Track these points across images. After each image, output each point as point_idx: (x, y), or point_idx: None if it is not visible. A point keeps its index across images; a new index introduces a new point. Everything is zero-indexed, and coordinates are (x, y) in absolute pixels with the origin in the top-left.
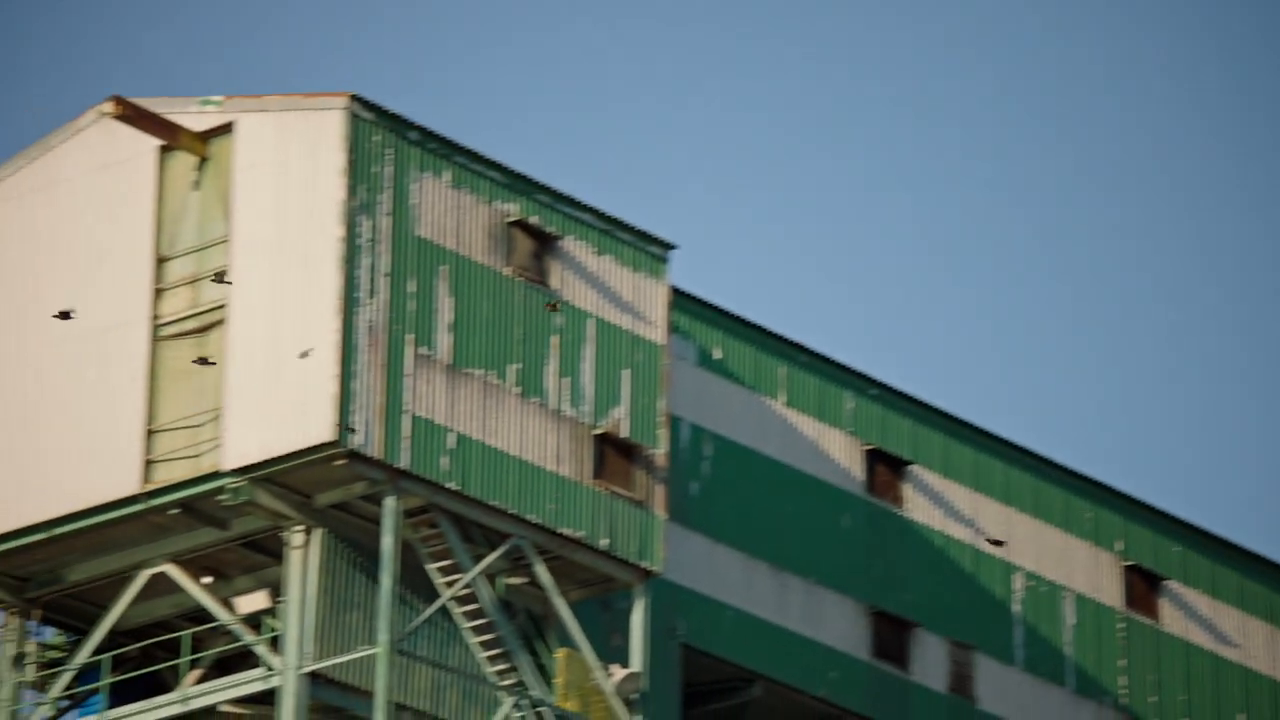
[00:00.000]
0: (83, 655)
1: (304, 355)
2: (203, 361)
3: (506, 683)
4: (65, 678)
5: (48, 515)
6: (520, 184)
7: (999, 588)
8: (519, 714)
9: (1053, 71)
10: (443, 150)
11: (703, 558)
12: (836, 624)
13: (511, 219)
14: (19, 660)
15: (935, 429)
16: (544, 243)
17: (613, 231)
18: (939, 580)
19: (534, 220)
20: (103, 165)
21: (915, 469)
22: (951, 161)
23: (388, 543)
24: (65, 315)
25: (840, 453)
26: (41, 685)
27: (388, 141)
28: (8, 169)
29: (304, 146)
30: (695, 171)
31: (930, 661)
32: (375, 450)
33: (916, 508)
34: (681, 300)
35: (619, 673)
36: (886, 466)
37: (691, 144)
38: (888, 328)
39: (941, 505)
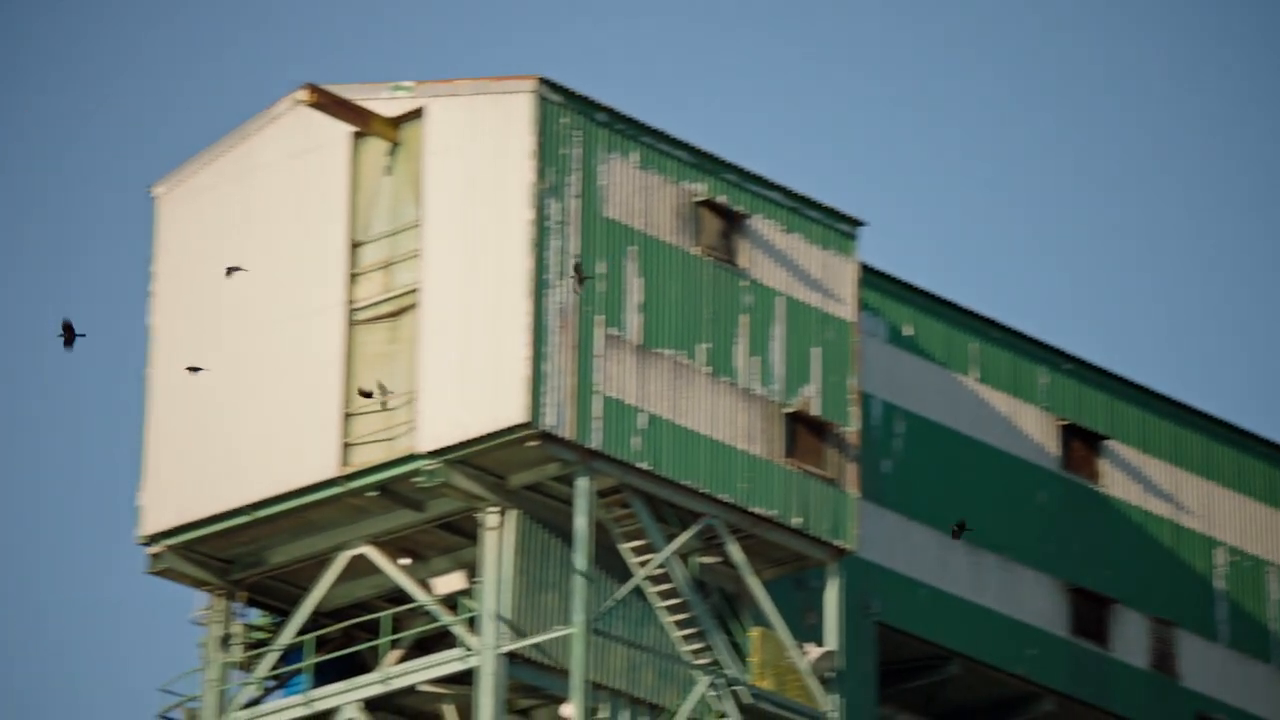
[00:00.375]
0: (286, 636)
1: (379, 396)
2: (192, 369)
3: (701, 662)
4: (270, 658)
5: (250, 499)
6: (708, 163)
7: (1200, 563)
8: (714, 693)
9: (1053, 71)
10: (630, 131)
11: (897, 535)
12: (1034, 601)
13: (699, 198)
14: (225, 641)
15: (1132, 403)
16: (732, 222)
17: (801, 209)
18: (1138, 556)
19: (722, 199)
20: (297, 152)
21: (1112, 444)
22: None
23: (581, 523)
24: (70, 333)
25: (1035, 428)
26: (247, 665)
27: (576, 123)
28: (206, 157)
29: (493, 130)
30: (880, 146)
31: (1131, 638)
32: (567, 431)
33: (1114, 483)
34: (871, 277)
35: (814, 651)
36: (1082, 442)
37: (876, 120)
38: (1081, 302)
39: (1140, 480)
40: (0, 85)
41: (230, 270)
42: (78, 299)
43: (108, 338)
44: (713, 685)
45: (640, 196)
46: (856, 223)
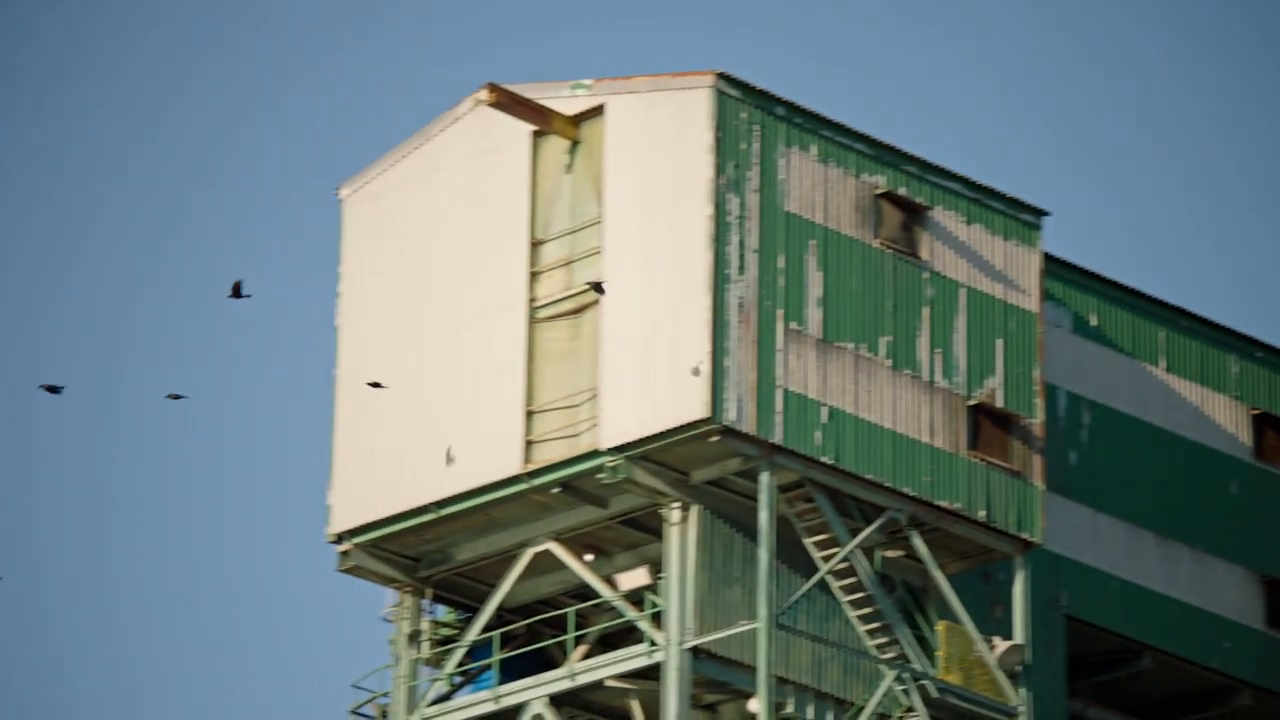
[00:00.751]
0: (473, 632)
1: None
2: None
3: (887, 656)
4: (458, 654)
5: (435, 497)
6: (887, 155)
7: None
8: (901, 687)
9: (1053, 71)
10: (809, 124)
11: (1085, 528)
12: (1228, 593)
13: (880, 191)
14: (414, 638)
15: None
16: (913, 213)
17: (983, 200)
18: None
19: (902, 191)
20: (479, 152)
21: None
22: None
23: (764, 518)
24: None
25: (1226, 418)
26: (436, 661)
27: (754, 118)
28: (390, 159)
29: (672, 126)
30: (1061, 134)
31: None
32: (748, 426)
33: None
34: (1054, 267)
35: (1001, 645)
36: (1276, 431)
37: (1056, 108)
38: (1272, 288)
39: None
40: (191, 89)
41: (236, 292)
42: (267, 300)
43: (298, 338)
44: (899, 679)
45: (820, 190)
46: (1040, 212)
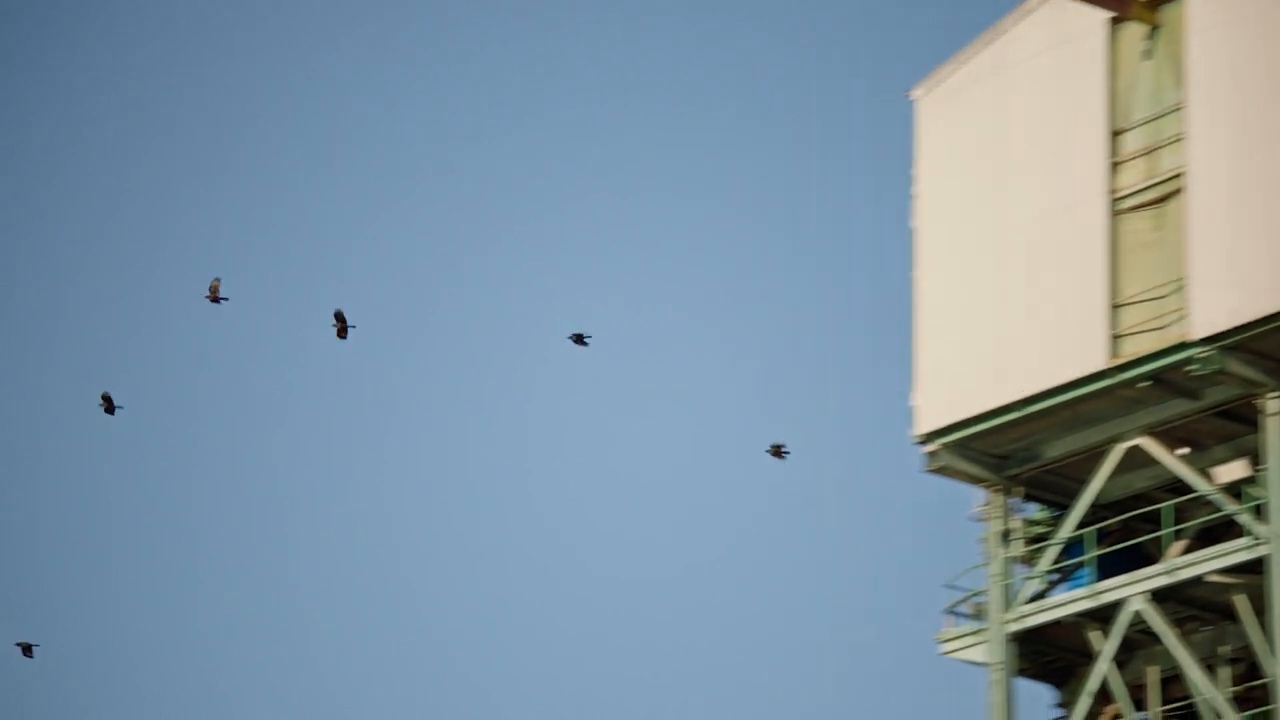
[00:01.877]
0: (1065, 530)
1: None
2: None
3: None
4: (1051, 552)
5: (1021, 395)
6: None
7: None
8: None
9: None
10: None
11: None
12: None
13: None
14: (1005, 536)
15: None
16: None
17: None
18: None
19: None
20: (1054, 44)
21: None
22: None
23: None
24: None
25: None
26: (1029, 559)
27: None
28: (961, 57)
29: (1261, 2)
30: None
31: None
32: None
33: None
34: None
35: None
36: None
37: None
38: None
39: None
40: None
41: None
42: (840, 207)
43: (873, 239)
44: None
45: None
46: None
